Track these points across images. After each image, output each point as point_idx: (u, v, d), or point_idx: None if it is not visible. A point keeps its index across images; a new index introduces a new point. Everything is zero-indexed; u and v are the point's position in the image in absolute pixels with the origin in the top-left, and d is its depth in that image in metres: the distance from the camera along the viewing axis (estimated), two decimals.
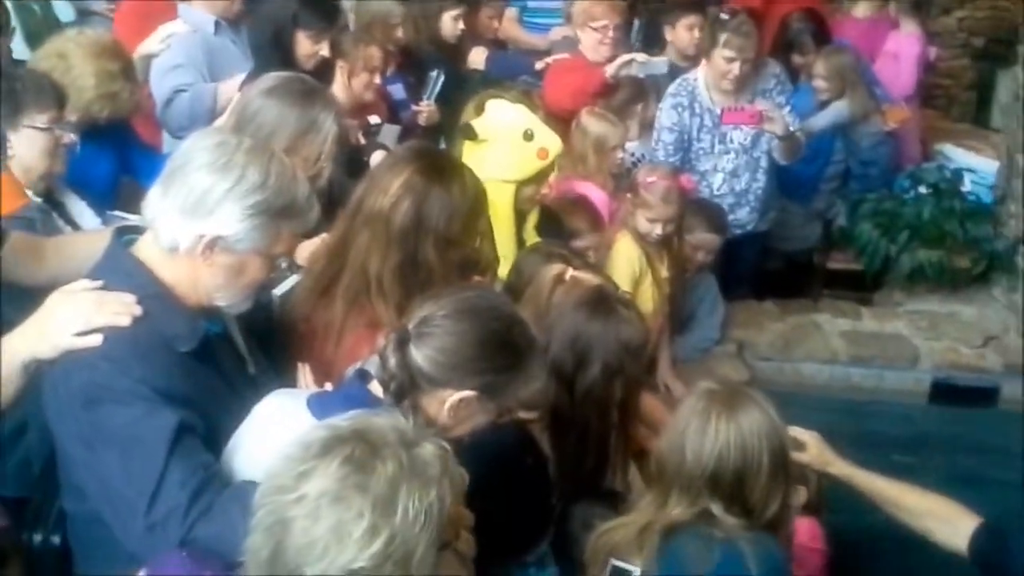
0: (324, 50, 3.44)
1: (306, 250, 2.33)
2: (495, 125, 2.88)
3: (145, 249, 1.78)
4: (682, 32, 4.58)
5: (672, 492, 1.89)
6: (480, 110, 2.92)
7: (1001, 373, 4.34)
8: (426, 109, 3.94)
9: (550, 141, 2.90)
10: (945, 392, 4.31)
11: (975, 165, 4.95)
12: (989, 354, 4.39)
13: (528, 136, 2.82)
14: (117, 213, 2.74)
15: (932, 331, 4.50)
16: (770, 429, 1.88)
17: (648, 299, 3.58)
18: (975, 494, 2.87)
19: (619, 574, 1.83)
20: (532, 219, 3.09)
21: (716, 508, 1.86)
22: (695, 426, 1.88)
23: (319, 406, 1.66)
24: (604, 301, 2.25)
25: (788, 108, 4.26)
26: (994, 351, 4.41)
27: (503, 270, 2.85)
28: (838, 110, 4.87)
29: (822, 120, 4.86)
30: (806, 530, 2.82)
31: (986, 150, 5.02)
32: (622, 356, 2.17)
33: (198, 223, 1.70)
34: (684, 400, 2.03)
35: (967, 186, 4.81)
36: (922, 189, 4.77)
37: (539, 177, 2.89)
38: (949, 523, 2.58)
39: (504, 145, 2.84)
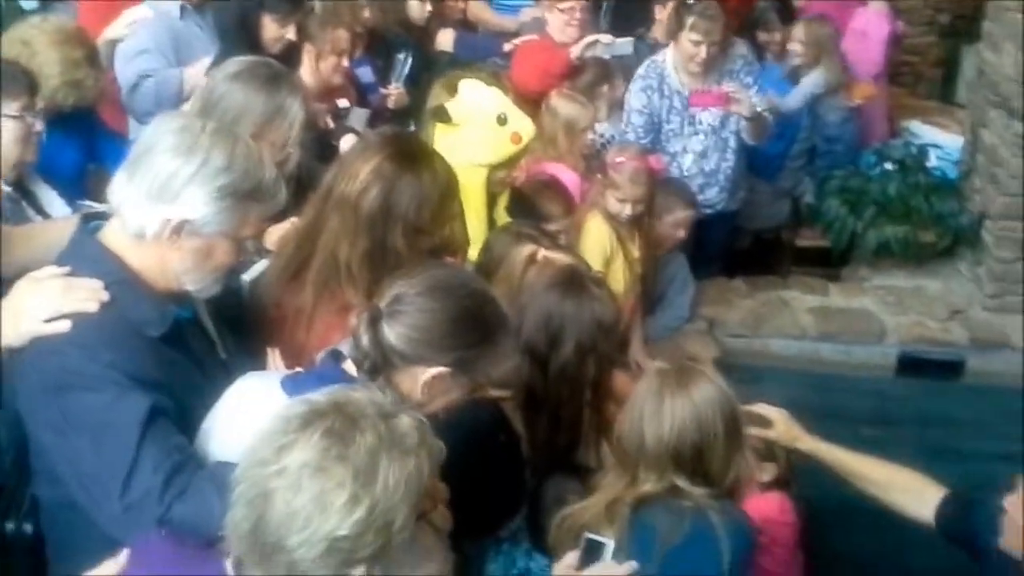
0: (291, 33, 3.42)
1: (276, 234, 2.33)
2: (469, 109, 2.89)
3: (112, 235, 1.78)
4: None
5: (638, 470, 1.94)
6: (452, 90, 2.93)
7: (966, 346, 4.42)
8: (395, 92, 3.93)
9: (524, 126, 2.92)
10: (912, 366, 4.38)
11: (941, 141, 5.01)
12: (955, 327, 4.47)
13: (502, 120, 2.83)
14: (87, 203, 2.73)
15: (898, 306, 4.57)
16: (721, 399, 1.95)
17: (619, 279, 3.62)
18: (942, 466, 2.92)
19: (593, 546, 1.85)
20: (503, 201, 3.12)
21: (682, 481, 1.91)
22: (651, 407, 1.94)
23: (292, 386, 1.66)
24: (576, 281, 2.27)
25: (755, 89, 4.30)
26: (960, 324, 4.48)
27: (473, 252, 2.87)
28: (814, 82, 4.90)
29: (799, 96, 4.89)
30: (776, 504, 2.88)
31: (952, 126, 5.08)
32: (595, 335, 2.20)
33: (164, 207, 1.70)
34: (638, 383, 2.08)
35: (932, 162, 4.87)
36: (888, 165, 4.83)
37: (512, 161, 2.91)
38: (915, 495, 2.64)
39: (478, 129, 2.86)
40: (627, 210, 3.59)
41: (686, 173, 4.28)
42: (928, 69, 5.99)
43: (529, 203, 3.17)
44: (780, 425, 2.77)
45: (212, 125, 1.79)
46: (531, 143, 3.95)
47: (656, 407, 1.93)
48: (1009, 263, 4.48)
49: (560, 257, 2.45)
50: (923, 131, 5.15)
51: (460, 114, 2.86)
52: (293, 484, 1.27)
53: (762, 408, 2.75)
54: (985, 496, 2.40)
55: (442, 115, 2.85)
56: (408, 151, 2.19)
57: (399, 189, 2.09)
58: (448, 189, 2.19)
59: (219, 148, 1.73)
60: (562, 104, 3.93)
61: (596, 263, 3.43)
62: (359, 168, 2.12)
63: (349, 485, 1.27)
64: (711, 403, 1.93)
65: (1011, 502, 2.23)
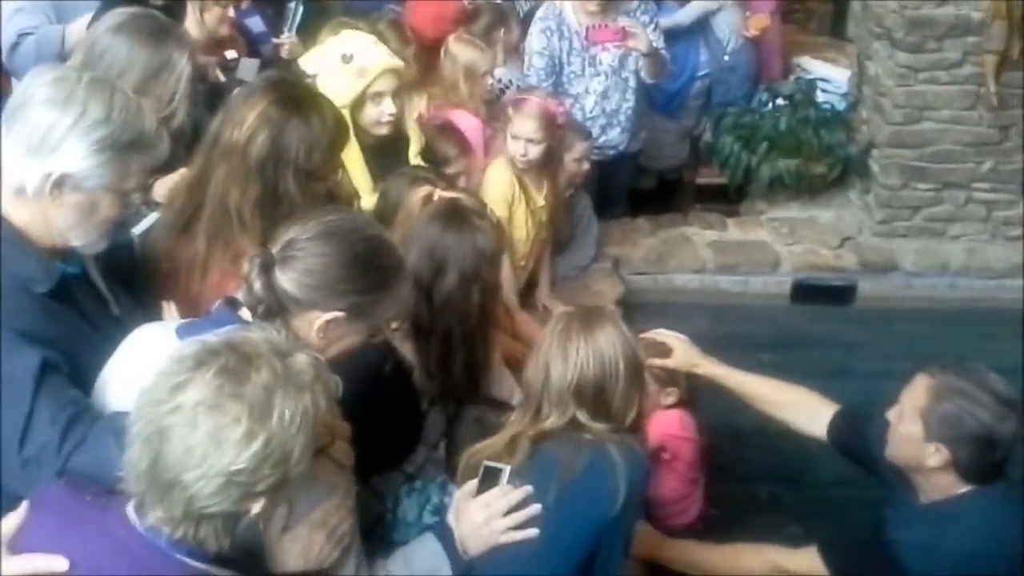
0: None
1: (164, 187, 2.31)
2: (320, 57, 2.86)
3: None
4: None
5: (542, 406, 2.01)
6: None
7: (857, 271, 4.62)
8: (287, 42, 3.85)
9: (368, 59, 2.86)
10: (806, 292, 4.57)
11: (830, 75, 5.12)
12: (846, 254, 4.66)
13: (346, 59, 2.79)
14: None
15: (792, 236, 4.73)
16: (623, 342, 2.02)
17: (522, 224, 3.65)
18: (837, 386, 3.08)
19: (490, 473, 1.90)
20: (414, 147, 3.10)
21: (583, 416, 1.99)
22: (556, 346, 2.00)
23: (187, 333, 1.67)
24: (458, 212, 2.32)
25: (652, 27, 4.36)
26: (850, 251, 4.67)
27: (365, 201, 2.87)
28: (705, 3, 4.91)
29: (690, 11, 4.89)
30: (677, 421, 2.98)
31: (842, 60, 5.19)
32: (478, 263, 2.26)
33: (43, 162, 1.68)
34: (546, 325, 2.15)
35: (821, 96, 5.01)
36: (779, 101, 4.96)
37: (372, 98, 2.86)
38: (809, 412, 2.79)
39: (328, 73, 2.82)
40: (526, 151, 3.56)
41: (589, 115, 4.32)
42: (819, 5, 6.11)
43: (425, 147, 3.17)
44: (679, 352, 2.88)
45: (88, 76, 1.76)
46: (432, 90, 3.98)
47: (561, 347, 1.99)
48: (896, 190, 4.67)
49: (454, 195, 2.48)
50: (813, 66, 5.27)
51: (314, 65, 2.83)
52: (189, 421, 1.30)
53: (662, 335, 2.87)
54: (874, 411, 2.55)
55: (298, 72, 2.83)
56: (294, 95, 2.18)
57: (287, 133, 2.09)
58: (337, 131, 2.19)
59: (96, 99, 1.71)
60: (460, 49, 3.92)
61: (498, 210, 3.43)
62: (245, 114, 2.11)
63: (244, 420, 1.30)
64: (613, 345, 1.99)
65: (894, 413, 2.38)
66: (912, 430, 2.29)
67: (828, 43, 5.66)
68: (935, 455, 2.27)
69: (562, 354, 1.99)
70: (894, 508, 2.50)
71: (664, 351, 2.87)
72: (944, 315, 4.49)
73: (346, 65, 2.79)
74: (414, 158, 3.04)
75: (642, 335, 2.97)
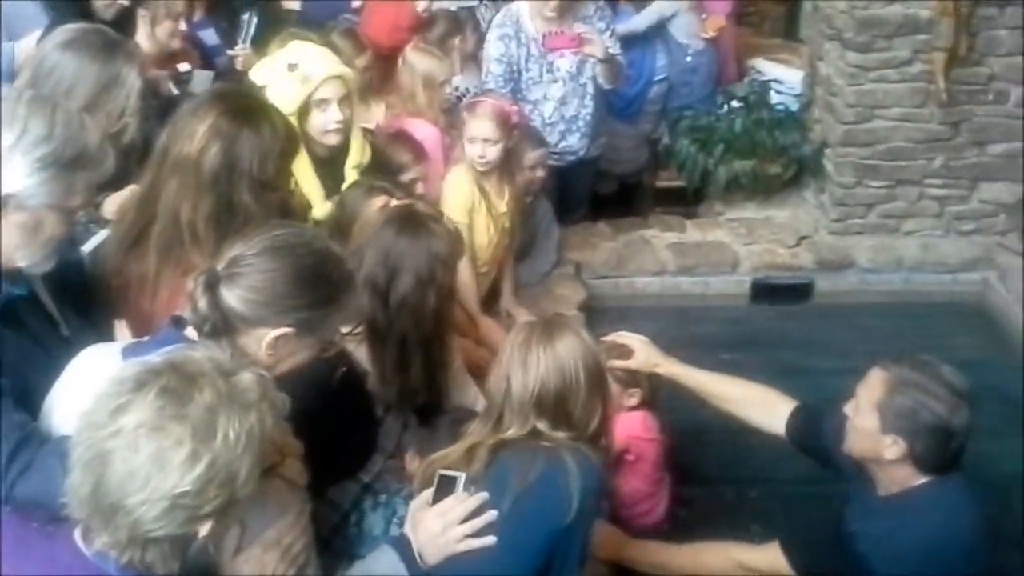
0: None
1: (114, 203, 2.28)
2: (268, 68, 2.85)
3: None
4: None
5: (503, 416, 2.00)
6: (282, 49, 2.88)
7: (814, 269, 4.67)
8: (242, 53, 3.85)
9: (313, 66, 2.83)
10: (764, 291, 4.62)
11: (783, 76, 5.19)
12: (802, 252, 4.72)
13: (292, 67, 2.78)
14: None
15: (750, 236, 4.78)
16: (584, 351, 2.01)
17: (483, 231, 3.65)
18: (795, 383, 3.12)
19: (446, 482, 1.90)
20: (352, 158, 3.08)
21: (543, 426, 1.98)
22: (517, 357, 1.99)
23: (133, 354, 1.64)
24: (412, 217, 2.33)
25: (608, 33, 4.39)
26: (807, 249, 4.73)
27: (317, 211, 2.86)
28: (660, 8, 4.96)
29: (646, 16, 4.93)
30: (640, 423, 2.99)
31: (795, 61, 5.25)
32: (433, 267, 2.27)
33: None
34: (508, 335, 2.14)
35: (775, 97, 5.07)
36: (734, 103, 5.02)
37: (317, 105, 2.84)
38: (768, 409, 2.81)
39: (275, 83, 2.81)
40: (484, 152, 3.55)
41: (548, 121, 4.33)
42: (772, 8, 6.19)
43: (380, 156, 3.17)
44: (640, 353, 2.90)
45: (29, 93, 1.75)
46: (390, 99, 3.97)
47: (521, 357, 1.98)
48: (850, 188, 4.73)
49: (411, 202, 2.48)
50: (767, 68, 5.34)
51: (262, 76, 2.82)
52: (130, 444, 1.27)
53: (623, 337, 2.90)
54: (829, 407, 2.57)
55: (250, 84, 2.82)
56: (243, 106, 2.17)
57: (240, 144, 2.08)
58: (289, 141, 2.18)
59: (37, 116, 1.69)
60: (418, 59, 3.92)
61: (459, 216, 3.45)
62: (195, 127, 2.09)
63: (188, 442, 1.28)
64: (573, 354, 1.99)
65: (850, 406, 2.41)
66: (868, 423, 2.32)
67: (781, 45, 5.74)
68: (892, 447, 2.30)
69: (522, 365, 1.98)
70: (854, 501, 2.52)
71: (626, 353, 2.89)
72: (900, 310, 4.55)
73: (291, 73, 2.77)
74: (351, 170, 3.00)
75: (603, 338, 3.01)
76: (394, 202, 2.52)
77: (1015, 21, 4.43)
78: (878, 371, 2.38)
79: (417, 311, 2.26)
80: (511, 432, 1.98)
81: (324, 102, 2.85)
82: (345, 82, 2.92)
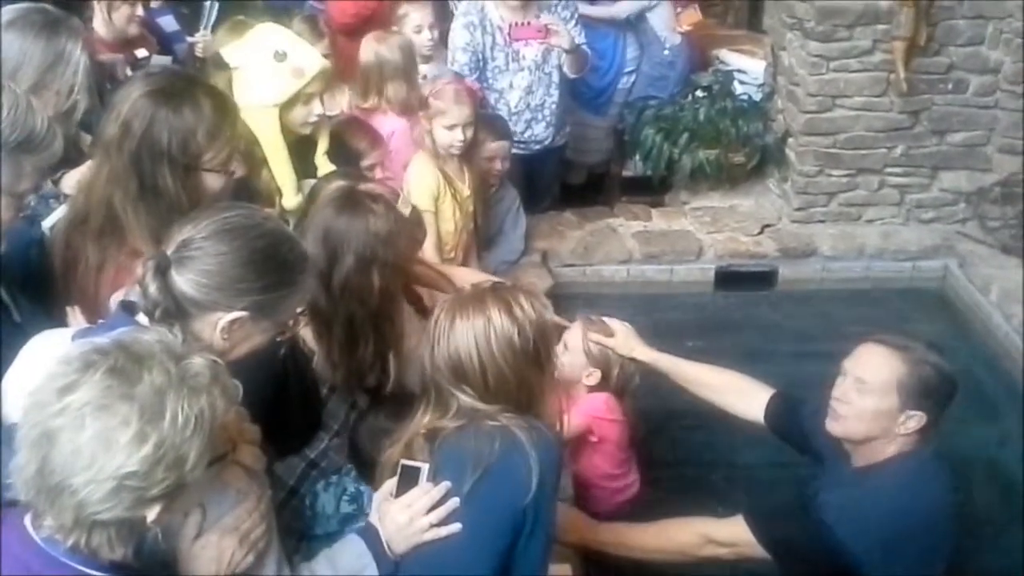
0: None
1: (73, 179, 2.24)
2: (246, 51, 2.81)
3: None
4: None
5: (440, 391, 1.92)
6: (237, 34, 2.84)
7: (777, 257, 4.72)
8: (202, 40, 3.80)
9: (305, 60, 2.82)
10: (728, 279, 4.65)
11: (747, 67, 5.23)
12: (766, 240, 4.76)
13: (280, 56, 2.74)
14: None
15: (714, 224, 4.82)
16: (510, 321, 1.89)
17: (449, 217, 3.65)
18: (762, 368, 3.16)
19: (409, 473, 1.88)
20: (322, 146, 3.07)
21: (469, 398, 1.89)
22: (441, 328, 1.91)
23: (83, 338, 1.61)
24: (351, 197, 2.30)
25: (573, 23, 4.39)
26: (770, 237, 4.78)
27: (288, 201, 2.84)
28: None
29: (627, 6, 4.94)
30: (603, 403, 3.00)
31: (758, 52, 5.28)
32: (374, 245, 2.24)
33: None
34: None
35: (739, 87, 5.11)
36: (698, 93, 5.05)
37: (303, 99, 2.83)
38: (746, 396, 2.84)
39: (256, 68, 2.76)
40: (458, 136, 3.54)
41: (514, 110, 4.34)
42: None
43: (337, 143, 3.14)
44: (620, 336, 2.94)
45: None
46: (352, 85, 3.94)
47: (446, 328, 1.90)
48: (812, 177, 4.78)
49: (352, 183, 2.45)
50: (731, 58, 5.38)
51: (238, 58, 2.78)
52: (76, 423, 1.25)
53: (608, 320, 2.97)
54: (808, 394, 2.62)
55: (218, 62, 2.77)
56: (167, 87, 2.10)
57: (156, 124, 2.02)
58: (215, 122, 2.08)
59: None
60: (380, 46, 3.89)
61: (424, 203, 3.45)
62: (120, 109, 2.05)
63: (135, 422, 1.26)
64: (500, 324, 1.88)
65: (845, 387, 2.43)
66: (883, 403, 2.35)
67: (745, 36, 5.78)
68: (908, 422, 2.34)
69: (445, 336, 1.89)
70: (826, 475, 2.54)
71: (606, 331, 2.93)
72: (862, 297, 4.61)
73: (279, 63, 2.74)
74: (320, 158, 2.98)
75: (592, 318, 3.02)
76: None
77: (974, 11, 4.49)
78: (876, 347, 2.41)
79: (361, 291, 2.23)
80: (449, 412, 1.90)
81: (310, 96, 2.84)
82: (326, 75, 2.92)
